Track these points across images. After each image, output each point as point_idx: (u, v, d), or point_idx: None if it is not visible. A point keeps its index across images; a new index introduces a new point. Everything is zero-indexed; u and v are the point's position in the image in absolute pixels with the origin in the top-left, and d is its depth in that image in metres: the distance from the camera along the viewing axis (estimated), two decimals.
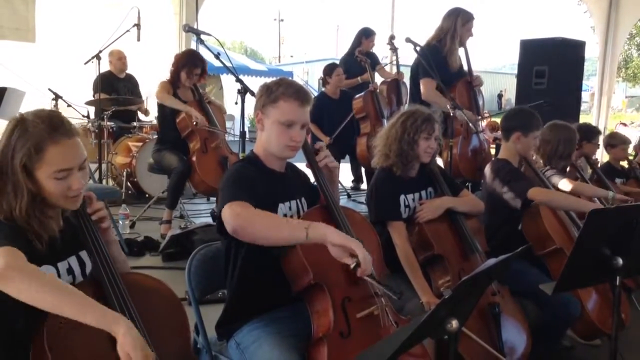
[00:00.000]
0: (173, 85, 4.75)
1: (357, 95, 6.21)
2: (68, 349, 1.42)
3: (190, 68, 4.69)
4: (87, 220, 1.65)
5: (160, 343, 1.54)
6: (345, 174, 6.79)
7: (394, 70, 6.68)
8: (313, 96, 2.24)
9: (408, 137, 2.65)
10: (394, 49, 6.39)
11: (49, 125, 1.51)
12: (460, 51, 4.79)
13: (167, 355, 1.54)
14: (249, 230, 1.78)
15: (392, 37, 6.39)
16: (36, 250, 1.51)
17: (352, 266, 1.67)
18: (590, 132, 4.10)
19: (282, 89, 2.02)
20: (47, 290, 1.34)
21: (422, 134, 2.66)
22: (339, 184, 6.63)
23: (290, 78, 2.17)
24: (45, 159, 1.50)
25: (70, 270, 1.61)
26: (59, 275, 1.57)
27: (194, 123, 4.62)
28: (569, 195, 3.10)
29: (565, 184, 3.36)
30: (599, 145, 4.33)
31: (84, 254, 1.66)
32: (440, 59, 4.59)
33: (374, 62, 6.70)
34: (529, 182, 2.98)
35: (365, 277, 1.72)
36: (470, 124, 4.49)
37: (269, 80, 2.14)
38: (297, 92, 2.02)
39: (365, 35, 6.74)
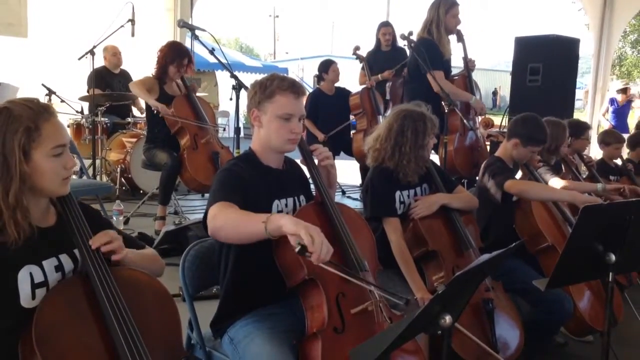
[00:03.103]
0: (159, 80, 4.69)
1: (354, 92, 6.21)
2: (57, 348, 1.41)
3: (179, 61, 4.62)
4: (75, 215, 1.63)
5: (151, 338, 1.53)
6: (341, 170, 6.78)
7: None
8: (307, 92, 2.24)
9: (422, 142, 2.66)
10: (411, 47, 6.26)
11: (38, 106, 1.55)
12: (458, 43, 4.81)
13: (157, 350, 1.53)
14: (221, 233, 1.81)
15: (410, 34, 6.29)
16: (13, 252, 1.48)
17: (296, 250, 1.56)
18: (577, 128, 4.09)
19: (276, 83, 2.02)
20: None
21: (431, 134, 2.69)
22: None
23: (282, 74, 2.16)
24: (42, 136, 1.52)
25: (59, 268, 1.59)
26: (44, 273, 1.55)
27: (154, 112, 4.54)
28: (544, 185, 3.07)
29: (557, 182, 3.38)
30: (588, 140, 4.31)
31: (77, 253, 1.64)
32: (436, 51, 4.60)
33: (402, 58, 6.33)
34: (508, 175, 2.99)
35: (323, 265, 1.61)
36: (465, 121, 4.51)
37: (264, 76, 2.13)
38: (292, 85, 2.03)
39: (378, 29, 6.58)
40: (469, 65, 4.89)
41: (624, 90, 8.80)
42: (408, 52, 4.86)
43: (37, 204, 1.58)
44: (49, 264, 1.57)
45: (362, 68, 6.43)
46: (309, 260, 1.59)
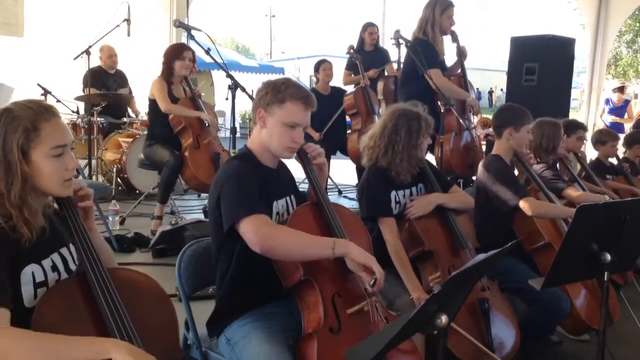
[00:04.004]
0: (167, 82, 4.72)
1: (348, 92, 6.21)
2: None
3: (182, 56, 4.68)
4: (73, 212, 1.63)
5: (148, 338, 1.53)
6: (337, 170, 6.79)
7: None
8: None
9: (415, 142, 2.66)
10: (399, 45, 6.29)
11: (39, 107, 1.55)
12: (453, 44, 4.82)
13: (155, 351, 1.53)
14: (280, 252, 1.87)
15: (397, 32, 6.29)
16: (22, 249, 1.49)
17: (371, 283, 1.82)
18: (568, 126, 4.08)
19: (290, 89, 2.02)
20: (35, 347, 1.34)
21: (425, 134, 2.69)
22: (330, 179, 6.66)
23: (297, 82, 2.17)
24: (41, 136, 1.52)
25: (54, 268, 1.60)
26: (44, 273, 1.55)
27: (206, 125, 4.67)
28: (556, 205, 3.09)
29: (569, 194, 3.39)
30: (582, 139, 4.29)
31: (64, 251, 1.65)
32: (432, 50, 4.61)
33: (384, 58, 6.55)
34: (522, 189, 2.99)
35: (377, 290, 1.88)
36: (461, 121, 4.51)
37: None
38: (305, 96, 2.03)
39: (363, 29, 6.60)
40: (462, 52, 4.88)
41: (621, 89, 8.75)
42: (397, 50, 4.86)
43: (37, 204, 1.58)
44: (47, 263, 1.58)
45: (346, 68, 6.45)
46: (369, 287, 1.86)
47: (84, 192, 1.72)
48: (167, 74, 4.73)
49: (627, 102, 8.79)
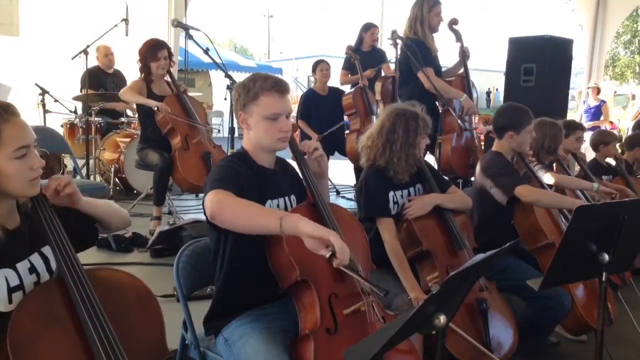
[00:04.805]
0: (146, 81, 4.66)
1: (347, 92, 6.20)
2: (32, 354, 1.39)
3: (156, 57, 4.58)
4: (47, 212, 1.58)
5: (131, 339, 1.50)
6: (335, 170, 6.79)
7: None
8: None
9: (413, 141, 2.65)
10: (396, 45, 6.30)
11: None
12: (457, 43, 4.82)
13: (138, 352, 1.50)
14: (225, 216, 1.76)
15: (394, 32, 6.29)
16: None
17: (327, 256, 1.63)
18: (567, 127, 4.08)
19: (259, 84, 2.00)
20: None
21: (423, 133, 2.68)
22: (328, 180, 6.63)
23: (264, 72, 2.15)
24: (3, 139, 1.46)
25: (32, 269, 1.56)
26: (19, 277, 1.52)
27: (156, 108, 4.46)
28: (555, 193, 3.11)
29: (548, 178, 3.41)
30: (580, 139, 4.29)
31: (46, 250, 1.61)
32: (425, 49, 4.62)
33: (381, 58, 6.57)
34: (518, 178, 3.00)
35: (343, 268, 1.67)
36: (459, 122, 4.51)
37: (245, 78, 2.11)
38: (275, 84, 2.01)
39: (364, 29, 6.58)
40: (465, 52, 4.88)
41: (595, 90, 8.68)
42: (394, 51, 4.87)
43: (4, 207, 1.54)
44: (23, 266, 1.54)
45: (344, 67, 6.44)
46: (330, 263, 1.64)
47: (55, 184, 1.63)
48: (146, 73, 4.66)
49: (602, 102, 8.71)
